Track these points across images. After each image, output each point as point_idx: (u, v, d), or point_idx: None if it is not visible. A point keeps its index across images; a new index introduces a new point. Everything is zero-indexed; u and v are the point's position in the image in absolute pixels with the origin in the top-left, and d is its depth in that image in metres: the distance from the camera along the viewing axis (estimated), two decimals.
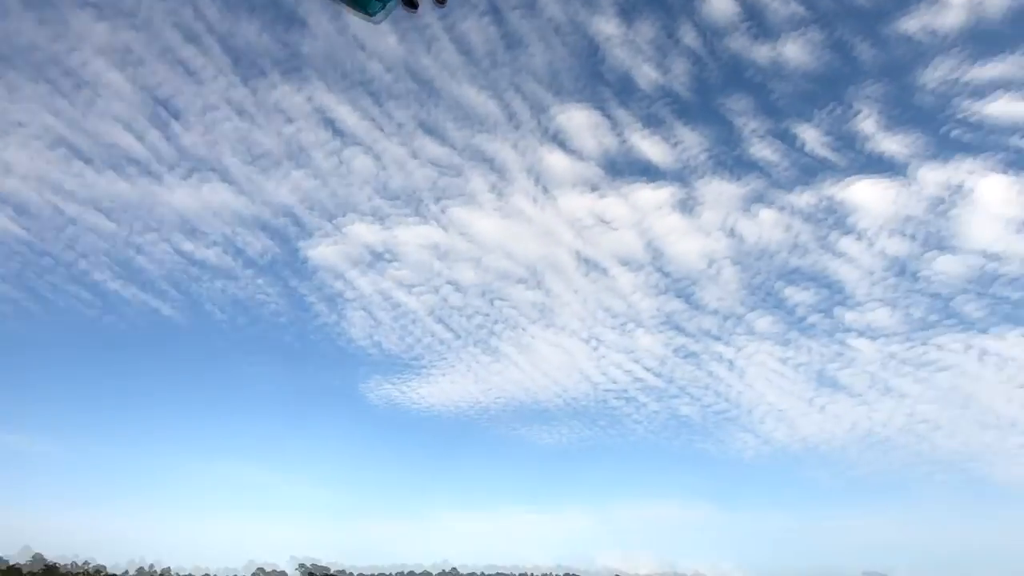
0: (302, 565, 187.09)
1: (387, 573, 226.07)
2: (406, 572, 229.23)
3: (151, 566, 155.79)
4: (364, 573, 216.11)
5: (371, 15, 6.58)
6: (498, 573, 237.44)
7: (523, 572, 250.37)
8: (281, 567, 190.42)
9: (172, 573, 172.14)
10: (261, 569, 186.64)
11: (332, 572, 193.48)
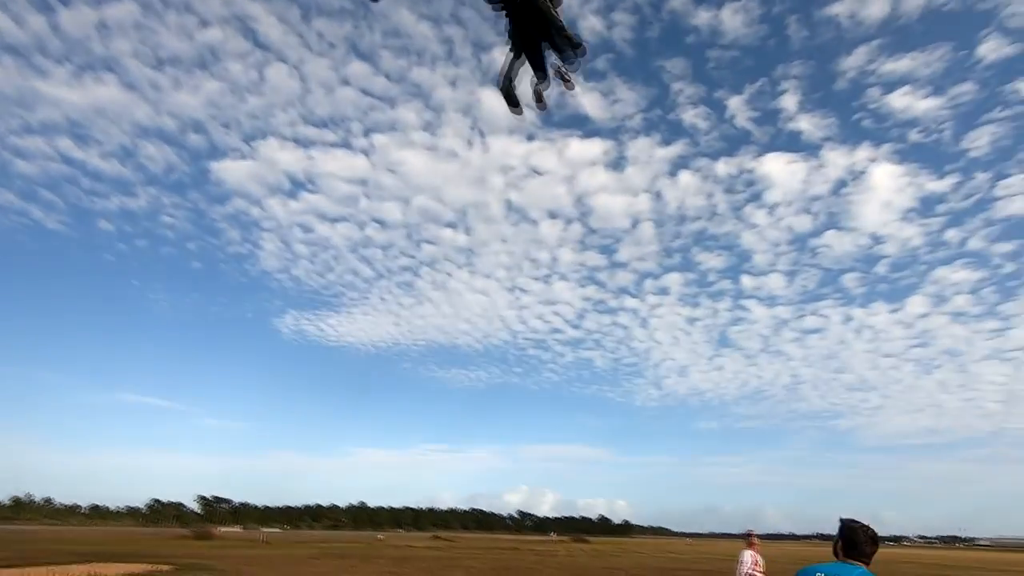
0: (202, 497, 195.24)
1: (296, 507, 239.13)
2: (314, 507, 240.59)
3: (28, 495, 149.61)
4: (271, 506, 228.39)
5: None
6: (407, 508, 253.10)
7: (431, 507, 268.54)
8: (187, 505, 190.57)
9: (55, 503, 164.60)
10: (157, 500, 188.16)
11: (234, 503, 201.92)
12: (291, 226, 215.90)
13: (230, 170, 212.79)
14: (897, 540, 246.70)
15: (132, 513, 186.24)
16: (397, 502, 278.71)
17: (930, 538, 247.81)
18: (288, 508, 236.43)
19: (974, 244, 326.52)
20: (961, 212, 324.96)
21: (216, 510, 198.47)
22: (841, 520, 3.12)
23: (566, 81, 4.36)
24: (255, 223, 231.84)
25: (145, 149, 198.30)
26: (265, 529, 78.32)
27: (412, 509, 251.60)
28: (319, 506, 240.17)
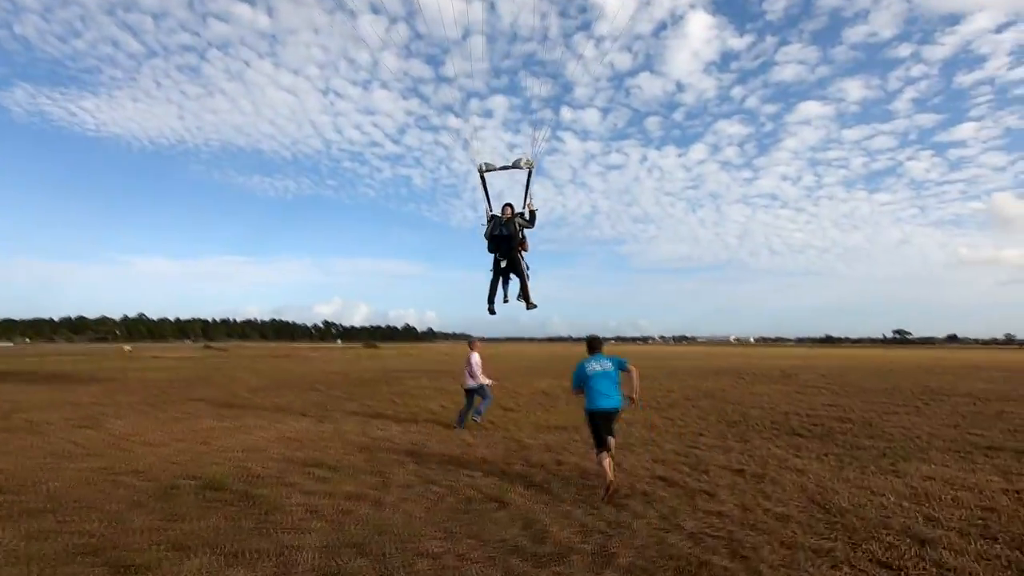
0: None
1: (51, 319, 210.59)
2: (76, 319, 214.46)
3: None
4: (16, 318, 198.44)
5: None
6: (197, 319, 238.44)
7: (228, 318, 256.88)
8: None
9: None
10: None
11: None
12: None
13: None
14: (645, 339, 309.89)
15: None
16: (192, 314, 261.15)
17: (667, 338, 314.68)
18: (39, 320, 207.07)
19: (750, 103, 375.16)
20: (747, 72, 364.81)
21: None
22: (589, 337, 7.53)
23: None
24: None
25: None
26: None
27: (203, 320, 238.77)
28: (82, 318, 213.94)
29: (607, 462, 6.45)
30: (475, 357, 11.48)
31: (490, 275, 9.43)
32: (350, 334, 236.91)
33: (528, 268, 9.47)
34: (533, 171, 9.42)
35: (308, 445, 8.96)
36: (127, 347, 72.26)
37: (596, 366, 6.92)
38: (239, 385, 19.53)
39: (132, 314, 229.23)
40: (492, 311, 9.50)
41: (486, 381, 11.38)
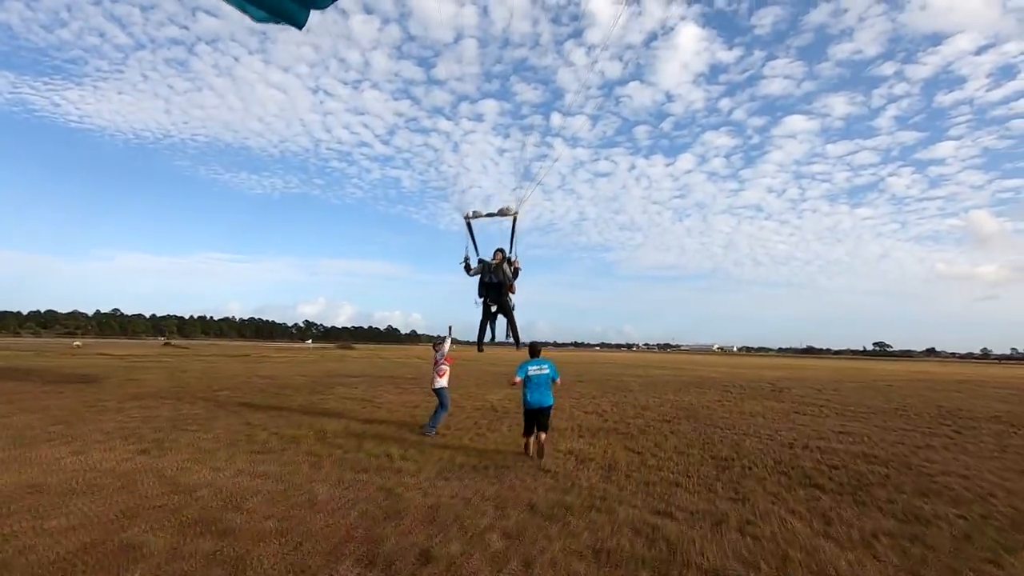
0: None
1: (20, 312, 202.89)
2: (44, 313, 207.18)
3: None
4: None
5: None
6: (173, 316, 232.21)
7: (205, 316, 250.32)
8: None
9: None
10: None
11: None
12: None
13: None
14: (629, 346, 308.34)
15: None
16: (172, 311, 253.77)
17: (651, 345, 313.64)
18: (6, 313, 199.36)
19: (738, 115, 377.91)
20: (735, 84, 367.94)
21: None
22: (531, 342, 9.01)
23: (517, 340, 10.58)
24: None
25: None
26: None
27: (178, 317, 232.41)
28: (52, 312, 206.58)
29: (531, 443, 8.22)
30: (446, 347, 10.50)
31: (479, 317, 10.52)
32: (332, 335, 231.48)
33: (514, 308, 10.44)
34: (518, 219, 10.14)
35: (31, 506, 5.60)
36: (77, 343, 67.74)
37: (535, 369, 8.30)
38: (126, 390, 16.00)
39: (107, 309, 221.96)
40: (480, 349, 10.79)
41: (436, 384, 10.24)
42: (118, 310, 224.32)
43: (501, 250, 10.14)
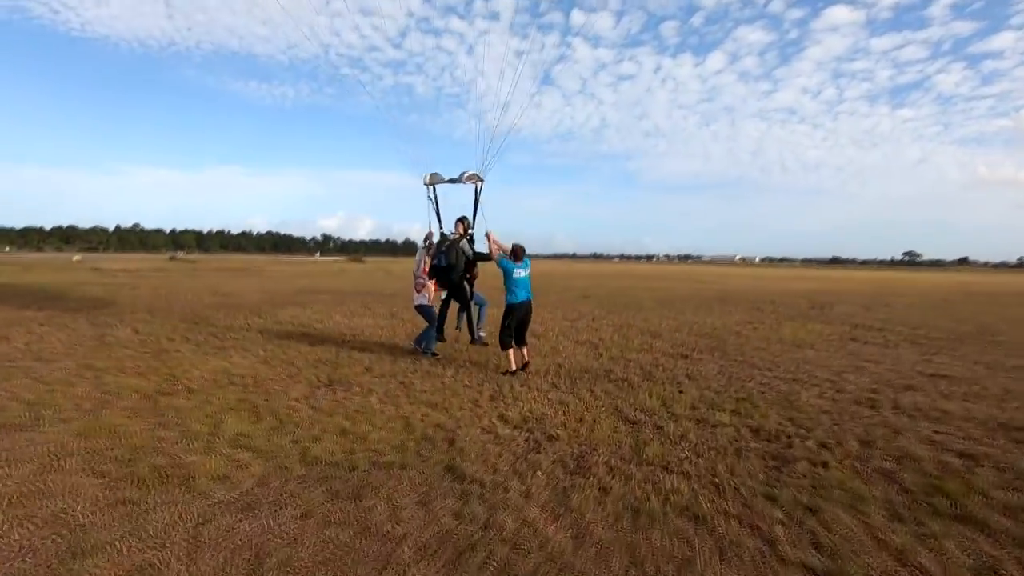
0: None
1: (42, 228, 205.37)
2: (67, 228, 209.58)
3: None
4: (7, 227, 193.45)
5: None
6: (191, 231, 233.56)
7: (223, 230, 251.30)
8: None
9: None
10: None
11: None
12: None
13: None
14: (649, 258, 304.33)
15: None
16: (192, 226, 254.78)
17: (672, 256, 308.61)
18: (30, 229, 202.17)
19: (775, 7, 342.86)
20: None
21: None
22: (514, 244, 7.63)
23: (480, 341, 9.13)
24: None
25: None
26: None
27: (197, 232, 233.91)
28: (73, 227, 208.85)
29: (513, 353, 7.60)
30: (417, 257, 8.88)
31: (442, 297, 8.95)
32: (350, 248, 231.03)
33: (478, 301, 8.96)
34: (480, 188, 8.32)
35: None
36: (76, 257, 66.49)
37: (521, 272, 7.67)
38: (44, 305, 13.27)
39: (127, 224, 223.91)
40: (441, 338, 8.73)
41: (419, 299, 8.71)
42: (138, 225, 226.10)
43: (463, 220, 8.38)
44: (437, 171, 8.42)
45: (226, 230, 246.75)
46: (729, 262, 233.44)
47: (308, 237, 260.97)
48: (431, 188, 8.51)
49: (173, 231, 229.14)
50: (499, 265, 7.69)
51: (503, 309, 7.66)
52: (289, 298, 18.26)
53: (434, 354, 8.52)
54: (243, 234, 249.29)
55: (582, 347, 9.83)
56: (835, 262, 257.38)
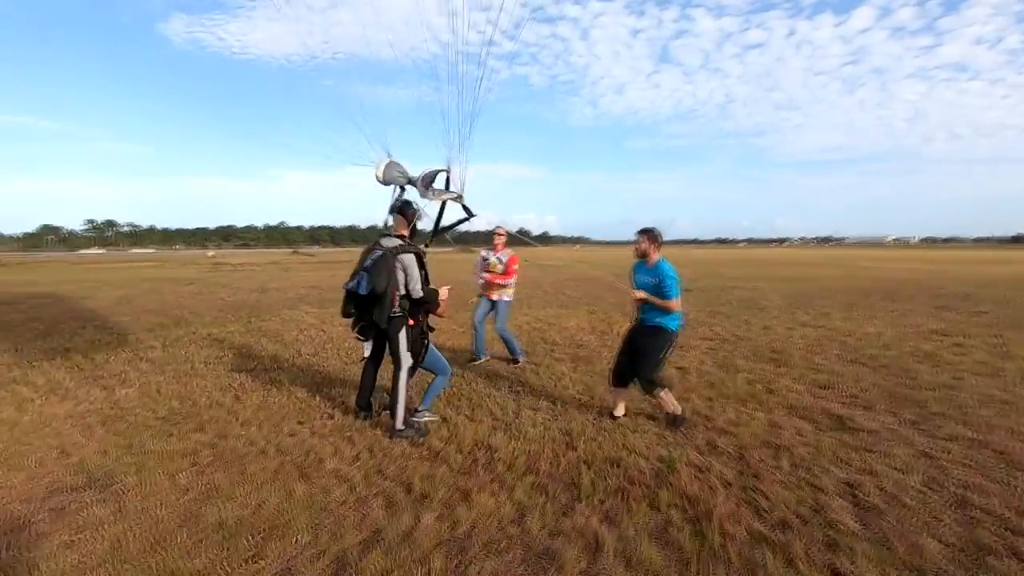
0: (91, 221, 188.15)
1: (207, 228, 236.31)
2: (226, 228, 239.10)
3: None
4: (181, 228, 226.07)
5: None
6: (324, 227, 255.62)
7: (353, 225, 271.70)
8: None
9: None
10: (48, 226, 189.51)
11: (122, 227, 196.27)
12: None
13: None
14: (781, 241, 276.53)
15: (23, 238, 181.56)
16: (332, 222, 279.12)
17: (809, 239, 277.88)
18: (199, 230, 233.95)
19: None
20: None
21: (105, 233, 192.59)
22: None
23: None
24: None
25: None
26: (95, 250, 67.27)
27: (330, 227, 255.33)
28: (232, 227, 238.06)
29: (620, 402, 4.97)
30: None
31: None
32: (465, 239, 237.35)
33: (433, 366, 4.85)
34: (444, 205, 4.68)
35: None
36: (210, 253, 73.24)
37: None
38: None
39: (275, 223, 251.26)
40: (360, 407, 4.90)
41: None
42: (283, 222, 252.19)
43: (408, 206, 4.62)
44: (396, 161, 4.64)
45: (356, 225, 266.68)
46: (879, 244, 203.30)
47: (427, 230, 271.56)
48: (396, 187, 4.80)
49: (312, 227, 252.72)
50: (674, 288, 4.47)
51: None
52: (300, 297, 15.95)
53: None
54: (370, 228, 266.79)
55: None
56: (1018, 240, 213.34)
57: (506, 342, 7.07)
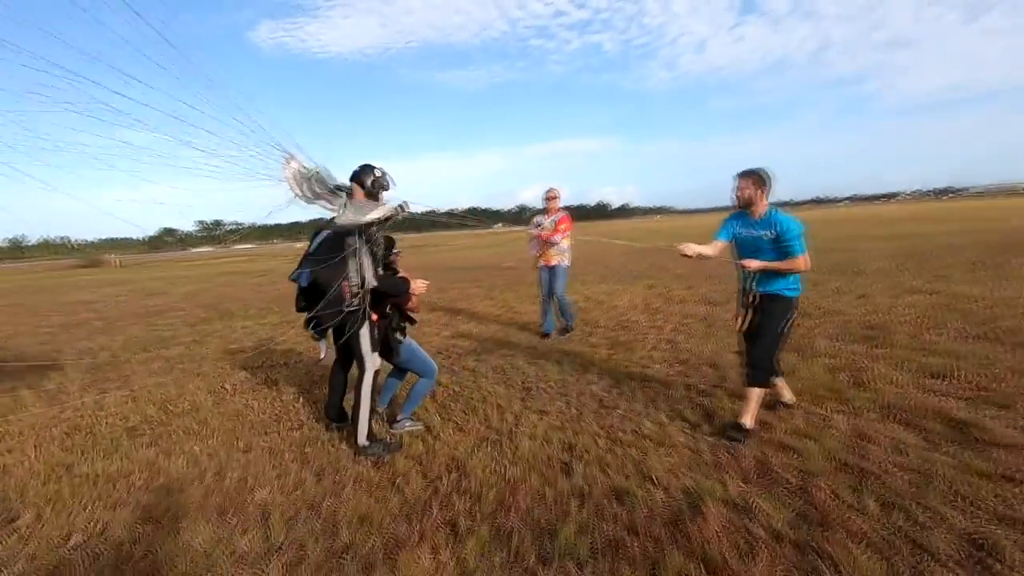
0: (201, 222, 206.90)
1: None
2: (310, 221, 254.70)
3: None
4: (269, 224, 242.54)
5: None
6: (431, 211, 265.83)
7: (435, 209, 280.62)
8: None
9: (71, 241, 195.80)
10: (167, 228, 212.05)
11: (228, 225, 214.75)
12: None
13: None
14: (889, 197, 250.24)
15: (147, 241, 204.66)
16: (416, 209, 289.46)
17: (924, 192, 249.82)
18: (293, 224, 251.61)
19: None
20: None
21: (214, 232, 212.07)
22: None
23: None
24: None
25: None
26: (204, 248, 73.50)
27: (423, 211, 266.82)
28: (319, 219, 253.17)
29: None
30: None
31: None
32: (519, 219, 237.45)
33: (410, 363, 4.05)
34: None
35: None
36: (298, 245, 77.68)
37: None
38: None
39: None
40: (330, 418, 4.18)
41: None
42: None
43: (369, 171, 3.60)
44: (300, 160, 3.39)
45: (438, 209, 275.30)
46: (1014, 192, 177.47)
47: (505, 209, 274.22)
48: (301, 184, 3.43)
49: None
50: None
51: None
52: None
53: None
54: (449, 212, 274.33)
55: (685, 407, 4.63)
56: None
57: (561, 307, 6.89)
